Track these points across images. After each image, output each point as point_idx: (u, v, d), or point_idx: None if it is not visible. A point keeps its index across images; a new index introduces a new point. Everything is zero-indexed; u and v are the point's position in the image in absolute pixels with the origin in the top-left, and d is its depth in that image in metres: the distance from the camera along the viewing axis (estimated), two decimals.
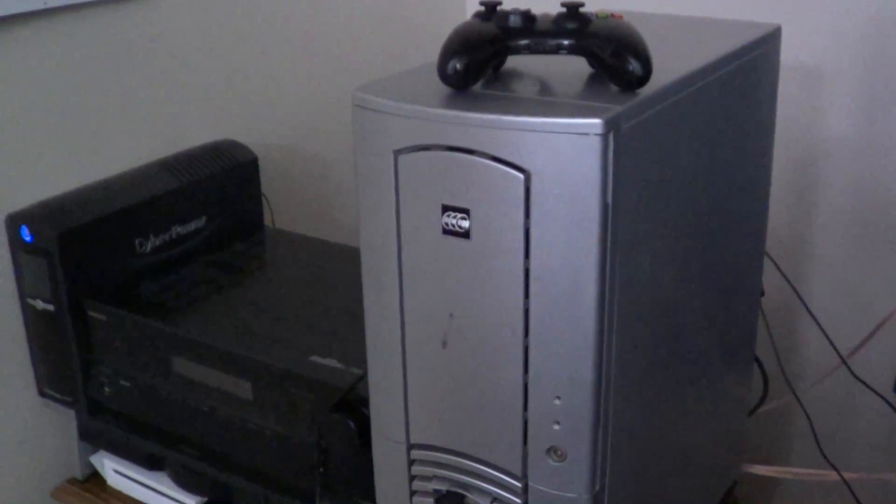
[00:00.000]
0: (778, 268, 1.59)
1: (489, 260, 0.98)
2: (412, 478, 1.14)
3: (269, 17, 1.96)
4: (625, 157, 0.95)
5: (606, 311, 0.98)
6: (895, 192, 2.00)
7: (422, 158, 0.99)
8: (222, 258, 1.71)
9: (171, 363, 1.47)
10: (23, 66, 1.55)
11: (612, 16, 1.06)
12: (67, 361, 1.56)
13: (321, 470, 1.33)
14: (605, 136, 0.91)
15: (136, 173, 1.66)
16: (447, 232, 1.00)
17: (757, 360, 1.61)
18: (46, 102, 1.59)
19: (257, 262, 1.74)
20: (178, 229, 1.67)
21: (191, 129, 1.82)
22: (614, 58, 1.00)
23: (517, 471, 1.05)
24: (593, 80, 1.06)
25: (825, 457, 1.77)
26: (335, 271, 1.65)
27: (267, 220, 1.87)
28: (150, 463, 1.59)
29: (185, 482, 1.56)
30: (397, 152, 1.01)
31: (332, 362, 1.35)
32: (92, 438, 1.64)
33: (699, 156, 1.17)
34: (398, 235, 1.04)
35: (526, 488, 1.06)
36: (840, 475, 1.69)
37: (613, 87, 1.01)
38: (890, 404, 1.83)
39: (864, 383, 1.81)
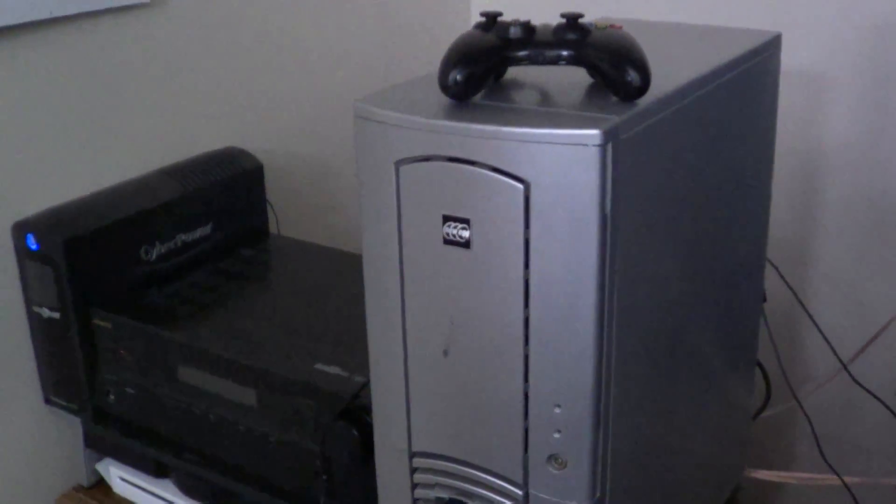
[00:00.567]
0: (779, 273, 1.59)
1: (489, 270, 0.99)
2: (414, 486, 1.15)
3: (274, 24, 1.97)
4: (624, 167, 0.95)
5: (606, 320, 0.98)
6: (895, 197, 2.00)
7: (422, 169, 1.00)
8: (228, 265, 1.72)
9: (176, 371, 1.48)
10: (29, 74, 1.56)
11: (612, 26, 1.06)
12: (73, 369, 1.57)
13: (325, 477, 1.34)
14: (603, 147, 0.92)
15: (142, 181, 1.67)
16: (448, 242, 1.00)
17: (759, 365, 1.61)
18: (52, 111, 1.60)
19: (263, 270, 1.75)
20: (184, 237, 1.68)
21: (196, 137, 1.83)
22: (613, 68, 1.01)
23: (518, 479, 1.06)
24: (593, 90, 1.06)
25: (827, 461, 1.77)
26: (340, 279, 1.66)
27: (272, 228, 1.88)
28: (156, 470, 1.59)
29: (191, 489, 1.57)
30: (398, 163, 1.01)
31: (336, 370, 1.35)
32: (97, 446, 1.65)
33: (699, 164, 1.18)
34: (399, 245, 1.04)
35: (527, 496, 1.06)
36: (842, 480, 1.69)
37: (613, 98, 1.02)
38: (891, 409, 1.83)
39: (864, 388, 1.81)
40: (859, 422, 2.11)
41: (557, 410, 1.02)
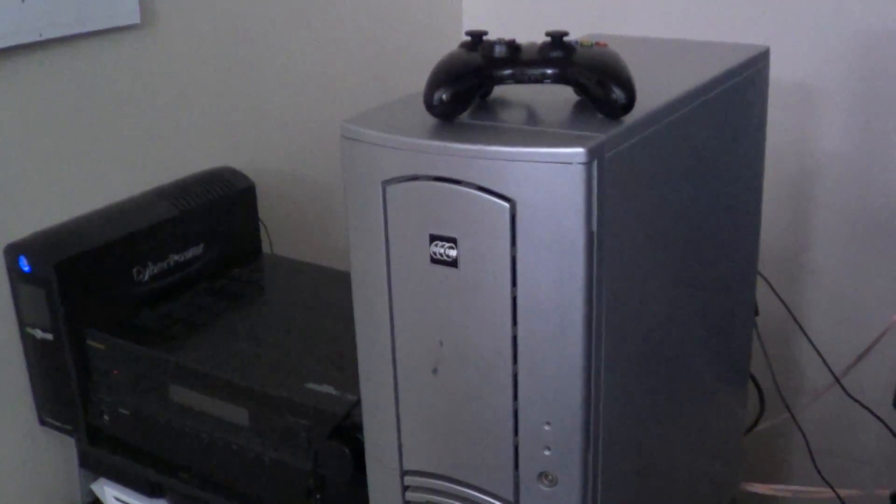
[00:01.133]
0: (771, 287, 1.60)
1: (477, 288, 0.99)
2: (406, 503, 1.15)
3: (265, 44, 1.98)
4: (610, 184, 0.96)
5: (594, 336, 0.99)
6: (888, 208, 2.00)
7: (409, 189, 1.00)
8: (220, 285, 1.72)
9: (169, 391, 1.48)
10: (20, 96, 1.56)
11: (597, 44, 1.07)
12: (67, 390, 1.57)
13: (318, 496, 1.34)
14: (588, 165, 0.92)
15: (134, 202, 1.67)
16: (435, 261, 1.01)
17: (753, 378, 1.62)
18: (43, 133, 1.60)
19: (255, 289, 1.75)
20: (176, 257, 1.68)
21: (188, 157, 1.83)
22: (598, 86, 1.01)
23: (509, 496, 1.06)
24: (579, 107, 1.07)
25: (821, 474, 1.77)
26: (333, 297, 1.66)
27: (265, 247, 1.88)
28: (151, 490, 1.59)
29: None
30: (385, 183, 1.02)
31: (328, 389, 1.36)
32: (92, 466, 1.65)
33: (687, 179, 1.18)
34: (387, 264, 1.05)
35: None
36: (835, 493, 1.70)
37: (599, 115, 1.02)
38: (883, 422, 1.83)
39: (857, 401, 1.81)
40: (853, 434, 2.11)
41: (547, 427, 1.02)
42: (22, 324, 1.58)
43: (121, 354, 1.52)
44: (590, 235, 0.95)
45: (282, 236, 1.97)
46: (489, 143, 0.96)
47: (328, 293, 1.69)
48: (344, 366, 1.41)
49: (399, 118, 1.06)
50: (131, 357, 1.51)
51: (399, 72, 2.28)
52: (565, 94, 1.07)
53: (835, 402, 1.89)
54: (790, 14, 1.99)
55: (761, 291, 1.56)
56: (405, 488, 1.14)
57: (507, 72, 1.04)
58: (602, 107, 1.02)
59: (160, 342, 1.52)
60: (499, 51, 1.04)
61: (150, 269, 1.64)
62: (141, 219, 1.63)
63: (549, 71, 1.03)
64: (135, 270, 1.61)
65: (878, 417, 1.84)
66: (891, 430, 1.85)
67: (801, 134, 2.05)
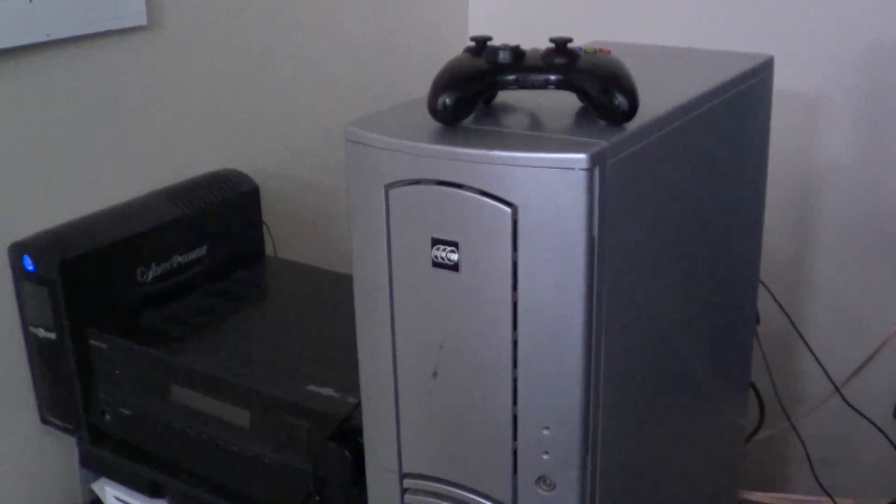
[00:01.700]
0: (772, 296, 1.60)
1: (478, 292, 1.00)
2: None
3: (271, 47, 1.98)
4: (611, 190, 0.96)
5: (594, 342, 0.99)
6: (891, 217, 2.01)
7: (412, 192, 1.01)
8: (223, 287, 1.72)
9: (170, 391, 1.48)
10: (26, 96, 1.57)
11: (601, 51, 1.07)
12: (69, 389, 1.58)
13: (317, 498, 1.34)
14: (590, 171, 0.93)
15: (138, 203, 1.68)
16: (437, 265, 1.01)
17: (753, 387, 1.62)
18: (48, 132, 1.61)
19: (258, 291, 1.75)
20: (180, 258, 1.68)
21: (192, 159, 1.83)
22: (601, 93, 1.01)
23: (507, 500, 1.06)
24: (582, 114, 1.07)
25: (820, 483, 1.78)
26: (335, 300, 1.66)
27: (268, 249, 1.88)
28: (151, 490, 1.59)
29: None
30: (388, 186, 1.02)
31: (328, 391, 1.36)
32: (93, 465, 1.65)
33: (689, 187, 1.19)
34: (389, 268, 1.05)
35: None
36: (834, 502, 1.70)
37: (602, 122, 1.02)
38: (883, 432, 1.84)
39: (857, 411, 1.82)
40: (853, 443, 2.11)
41: (546, 432, 1.02)
42: (25, 323, 1.58)
43: (123, 354, 1.52)
44: (591, 241, 0.95)
45: (285, 239, 1.97)
46: (492, 147, 0.96)
47: (330, 296, 1.69)
48: (345, 368, 1.41)
49: (403, 122, 1.06)
50: (133, 357, 1.51)
51: (405, 76, 2.29)
52: (568, 101, 1.08)
53: (835, 411, 1.90)
54: (796, 24, 2.00)
55: (763, 300, 1.57)
56: (404, 491, 1.15)
57: (511, 77, 1.04)
58: (604, 113, 1.02)
59: (162, 343, 1.53)
60: (503, 56, 1.04)
61: (154, 270, 1.64)
62: (145, 220, 1.64)
63: (553, 77, 1.03)
64: (138, 271, 1.62)
65: (878, 427, 1.84)
66: (890, 441, 1.86)
67: (806, 144, 2.05)
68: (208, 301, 1.67)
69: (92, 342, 1.55)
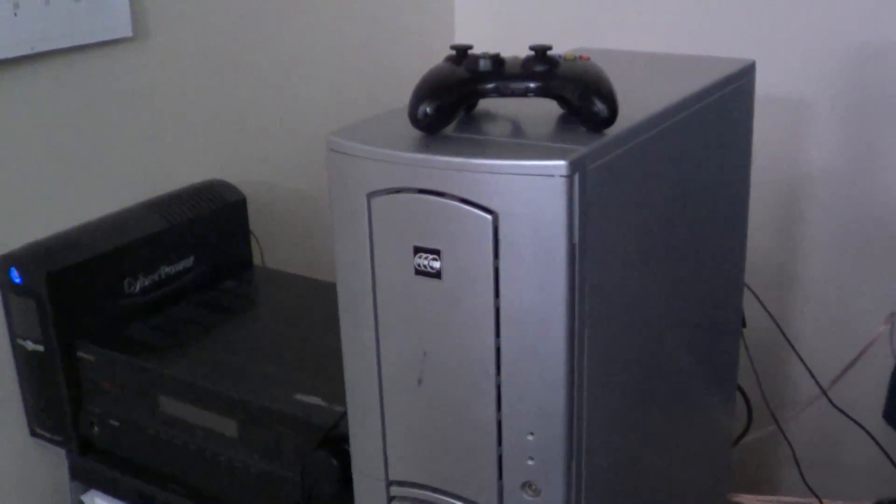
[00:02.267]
0: (758, 299, 1.61)
1: (460, 299, 1.00)
2: None
3: (257, 57, 1.98)
4: (592, 196, 0.96)
5: (577, 347, 0.99)
6: (876, 220, 2.01)
7: (394, 201, 1.01)
8: (211, 298, 1.73)
9: (159, 402, 1.48)
10: (11, 109, 1.57)
11: (580, 57, 1.07)
12: (57, 401, 1.58)
13: None
14: (569, 178, 0.93)
15: (125, 214, 1.68)
16: (419, 273, 1.01)
17: (741, 390, 1.62)
18: (35, 145, 1.61)
19: (246, 302, 1.75)
20: (167, 269, 1.68)
21: (179, 170, 1.84)
22: (580, 100, 1.02)
23: None
24: (563, 121, 1.07)
25: (808, 485, 1.78)
26: (323, 309, 1.66)
27: (256, 259, 1.89)
28: (141, 502, 1.59)
29: None
30: (370, 195, 1.03)
31: (315, 400, 1.36)
32: (83, 477, 1.65)
33: (672, 192, 1.19)
34: (372, 276, 1.05)
35: None
36: (822, 503, 1.70)
37: (582, 129, 1.03)
38: (869, 433, 1.84)
39: (843, 413, 1.82)
40: (840, 445, 2.12)
41: (530, 438, 1.02)
42: (13, 335, 1.58)
43: (111, 366, 1.53)
44: (572, 248, 0.95)
45: (273, 249, 1.98)
46: (472, 155, 0.96)
47: (318, 305, 1.69)
48: (332, 377, 1.41)
49: (384, 131, 1.06)
50: (122, 369, 1.52)
51: (392, 85, 2.29)
52: (549, 108, 1.08)
53: (822, 413, 1.90)
54: (778, 28, 2.00)
55: (748, 303, 1.57)
56: (391, 499, 1.15)
57: (491, 85, 1.05)
58: (585, 120, 1.03)
59: (150, 354, 1.53)
60: (483, 65, 1.05)
61: (141, 282, 1.64)
62: (132, 231, 1.64)
63: (533, 84, 1.04)
64: (126, 282, 1.62)
65: (864, 429, 1.85)
66: (876, 442, 1.86)
67: (790, 148, 2.06)
68: (196, 312, 1.68)
69: (80, 354, 1.55)
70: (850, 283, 2.07)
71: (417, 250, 1.01)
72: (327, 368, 1.45)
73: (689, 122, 1.20)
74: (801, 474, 1.76)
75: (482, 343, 1.01)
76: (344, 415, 1.23)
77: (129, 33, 1.71)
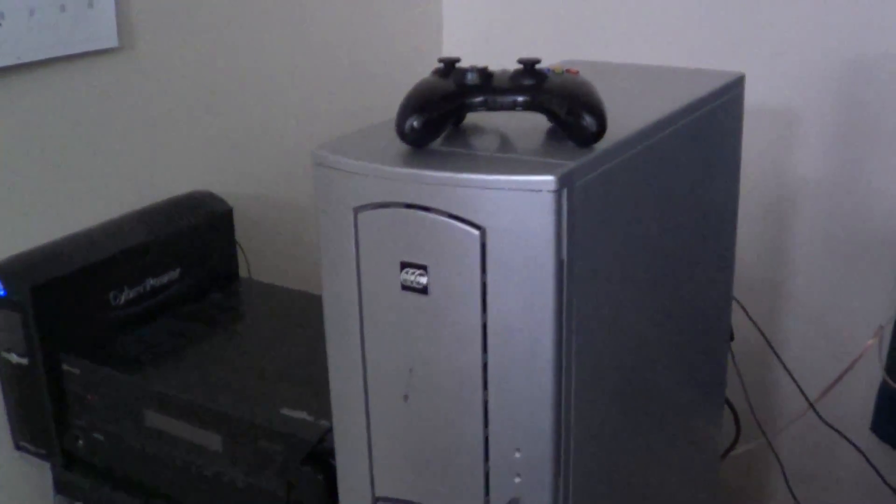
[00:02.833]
0: (746, 312, 1.61)
1: (447, 315, 1.00)
2: None
3: (243, 68, 1.98)
4: (580, 212, 0.96)
5: (564, 363, 0.99)
6: (863, 233, 2.01)
7: (381, 215, 1.01)
8: (197, 310, 1.72)
9: (144, 416, 1.47)
10: None
11: (569, 71, 1.07)
12: (42, 415, 1.57)
13: None
14: (558, 193, 0.93)
15: (110, 226, 1.67)
16: (406, 288, 1.01)
17: (729, 403, 1.62)
18: (20, 156, 1.60)
19: (232, 314, 1.74)
20: (153, 281, 1.67)
21: (165, 181, 1.83)
22: (568, 114, 1.01)
23: None
24: (551, 135, 1.07)
25: (796, 498, 1.78)
26: (310, 322, 1.65)
27: (243, 271, 1.88)
28: None
29: None
30: (357, 209, 1.02)
31: (301, 414, 1.35)
32: (67, 491, 1.64)
33: (660, 206, 1.19)
34: (359, 291, 1.05)
35: None
36: None
37: (570, 143, 1.02)
38: (857, 447, 1.84)
39: (830, 426, 1.82)
40: (828, 458, 2.11)
41: (517, 454, 1.02)
42: None
43: (96, 379, 1.52)
44: (560, 263, 0.95)
45: (259, 260, 1.97)
46: (460, 170, 0.96)
47: (305, 318, 1.68)
48: (319, 391, 1.40)
49: (371, 145, 1.06)
50: (106, 382, 1.51)
51: (380, 97, 2.28)
52: (538, 121, 1.08)
53: (810, 426, 1.90)
54: (768, 41, 2.00)
55: (737, 316, 1.57)
56: None
57: (479, 99, 1.04)
58: (573, 134, 1.02)
59: (135, 367, 1.52)
60: (471, 78, 1.04)
61: (127, 294, 1.63)
62: (117, 243, 1.63)
63: (521, 98, 1.03)
64: (111, 295, 1.61)
65: (852, 442, 1.85)
66: (864, 455, 1.86)
67: (779, 160, 2.06)
68: (182, 324, 1.67)
69: (65, 367, 1.54)
70: (838, 296, 2.07)
71: (404, 265, 1.00)
72: (313, 382, 1.44)
73: (679, 136, 1.19)
74: (789, 487, 1.76)
75: (469, 359, 1.00)
76: (330, 430, 1.22)
77: (114, 43, 1.70)
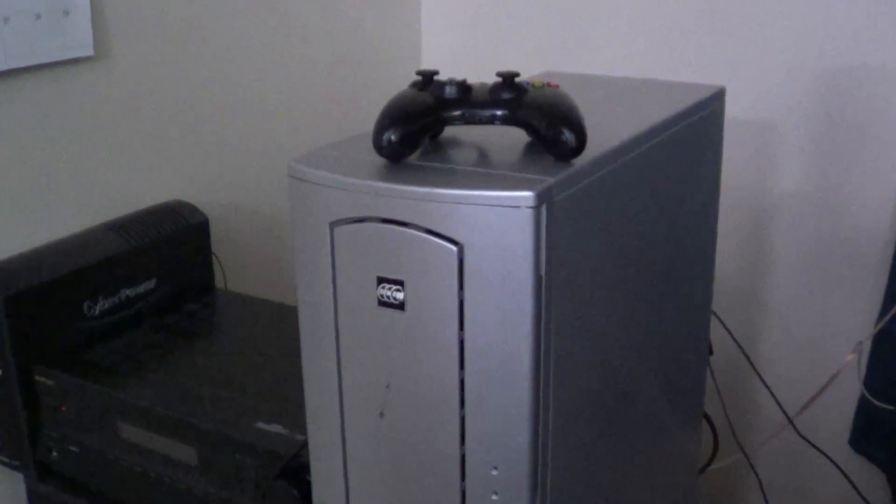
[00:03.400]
0: (725, 327, 1.60)
1: (424, 331, 0.99)
2: None
3: (220, 78, 1.97)
4: (559, 227, 0.95)
5: (542, 381, 0.98)
6: (843, 246, 2.01)
7: (357, 230, 1.00)
8: (173, 321, 1.70)
9: (118, 429, 1.46)
10: None
11: (548, 85, 1.06)
12: (15, 426, 1.55)
13: None
14: (536, 209, 0.92)
15: (85, 235, 1.66)
16: (382, 304, 1.00)
17: (707, 418, 1.61)
18: None
19: (208, 325, 1.73)
20: (128, 292, 1.66)
21: (140, 190, 1.82)
22: (548, 129, 1.00)
23: None
24: (530, 149, 1.06)
25: None
26: (286, 334, 1.65)
27: (219, 281, 1.87)
28: None
29: None
30: (333, 224, 1.01)
31: (277, 429, 1.34)
32: (41, 503, 1.63)
33: (640, 220, 1.18)
34: (335, 306, 1.04)
35: None
36: None
37: (550, 157, 1.01)
38: (835, 463, 1.84)
39: (809, 442, 1.82)
40: (807, 473, 2.11)
41: (494, 472, 1.01)
42: None
43: (69, 391, 1.50)
44: (538, 280, 0.94)
45: (235, 271, 1.96)
46: (437, 185, 0.95)
47: (281, 330, 1.67)
48: (295, 404, 1.39)
49: (348, 158, 1.05)
50: (80, 394, 1.49)
51: (358, 109, 2.28)
52: (516, 136, 1.07)
53: (788, 441, 1.90)
54: (748, 53, 2.00)
55: (716, 330, 1.56)
56: None
57: (457, 113, 1.03)
58: (552, 149, 1.01)
59: (110, 379, 1.51)
60: (449, 91, 1.03)
61: (101, 304, 1.62)
62: (92, 253, 1.62)
63: (499, 112, 1.03)
64: (85, 305, 1.59)
65: (829, 458, 1.84)
66: (842, 471, 1.86)
67: (759, 173, 2.05)
68: (157, 335, 1.65)
69: (38, 378, 1.53)
70: (817, 311, 2.07)
71: (381, 280, 0.99)
72: (289, 395, 1.43)
73: (659, 150, 1.19)
74: (767, 502, 1.76)
75: (446, 376, 0.99)
76: (305, 444, 1.21)
77: (90, 52, 1.69)
